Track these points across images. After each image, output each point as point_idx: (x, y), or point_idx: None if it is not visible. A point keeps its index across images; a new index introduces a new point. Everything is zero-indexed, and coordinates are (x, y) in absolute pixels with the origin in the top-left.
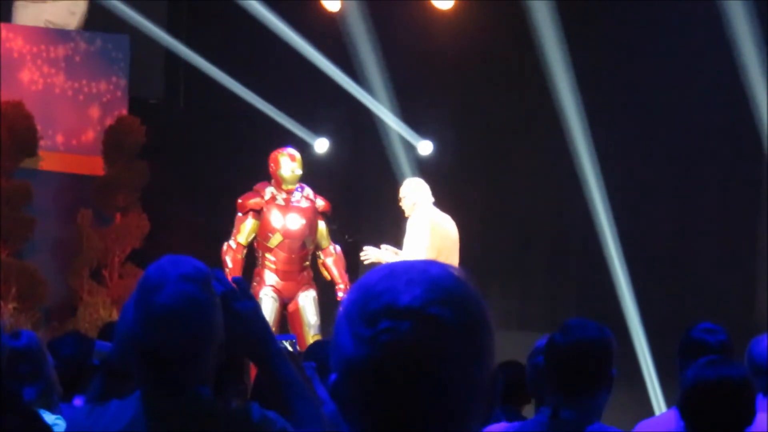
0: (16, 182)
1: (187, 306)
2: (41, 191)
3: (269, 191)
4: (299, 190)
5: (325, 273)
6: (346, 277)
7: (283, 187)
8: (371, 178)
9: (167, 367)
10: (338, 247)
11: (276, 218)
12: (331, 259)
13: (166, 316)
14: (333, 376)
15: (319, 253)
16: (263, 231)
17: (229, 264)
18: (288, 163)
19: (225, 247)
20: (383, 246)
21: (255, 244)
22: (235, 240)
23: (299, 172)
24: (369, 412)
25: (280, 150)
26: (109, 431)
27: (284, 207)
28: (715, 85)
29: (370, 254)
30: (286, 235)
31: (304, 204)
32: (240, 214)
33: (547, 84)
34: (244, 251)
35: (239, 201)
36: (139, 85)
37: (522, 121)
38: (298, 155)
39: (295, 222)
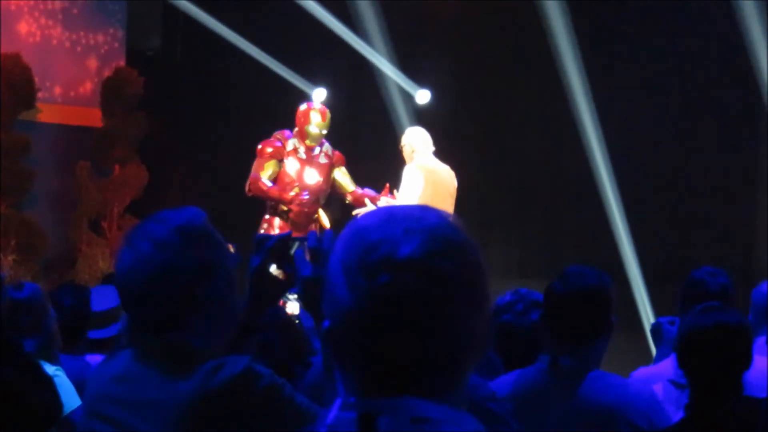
0: (14, 134)
1: (151, 246)
2: (39, 143)
3: (292, 143)
4: (320, 145)
5: (322, 219)
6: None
7: (307, 142)
8: (369, 128)
9: (134, 310)
10: (367, 188)
11: (295, 170)
12: (363, 190)
13: (130, 258)
14: (326, 323)
15: (348, 195)
16: (280, 181)
17: (268, 183)
18: (318, 119)
19: (249, 180)
20: (383, 198)
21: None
22: (257, 173)
23: (325, 131)
24: (365, 362)
25: (311, 104)
26: (104, 377)
27: (305, 161)
28: (712, 29)
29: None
30: (303, 188)
31: (323, 160)
32: (258, 159)
33: (546, 32)
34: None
35: (260, 147)
36: (137, 36)
37: (520, 70)
38: (328, 113)
39: (312, 177)
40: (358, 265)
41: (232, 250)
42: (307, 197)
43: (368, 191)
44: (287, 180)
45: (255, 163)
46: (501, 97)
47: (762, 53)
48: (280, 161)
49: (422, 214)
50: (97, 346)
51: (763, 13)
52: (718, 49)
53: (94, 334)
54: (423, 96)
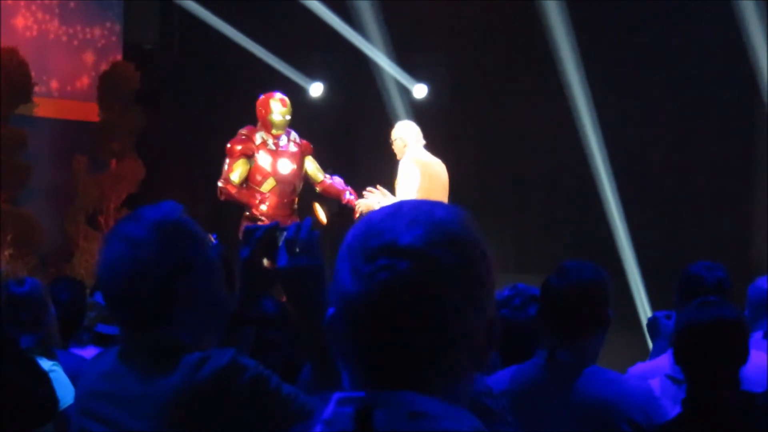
0: (11, 129)
1: (124, 245)
2: (36, 137)
3: (260, 136)
4: (286, 134)
5: (318, 214)
6: (349, 188)
7: (273, 132)
8: (366, 122)
9: (117, 309)
10: (336, 176)
11: (268, 163)
12: (330, 182)
13: (108, 259)
14: (331, 310)
15: (317, 186)
16: (255, 175)
17: (233, 190)
18: (279, 108)
19: (220, 183)
20: (378, 187)
21: (245, 188)
22: (227, 176)
23: (289, 117)
24: (363, 349)
25: (270, 94)
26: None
27: (275, 152)
28: (711, 24)
29: (361, 205)
30: (279, 179)
31: (293, 149)
32: (228, 159)
33: (543, 26)
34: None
35: (228, 146)
36: (134, 30)
37: (517, 64)
38: (287, 100)
39: (286, 167)
40: (361, 250)
41: (212, 240)
42: (265, 219)
43: (336, 181)
44: (262, 174)
45: (225, 164)
46: (498, 91)
47: (762, 52)
48: (251, 157)
49: (431, 208)
50: (103, 340)
51: (763, 12)
52: (717, 46)
53: (102, 329)
54: (420, 90)
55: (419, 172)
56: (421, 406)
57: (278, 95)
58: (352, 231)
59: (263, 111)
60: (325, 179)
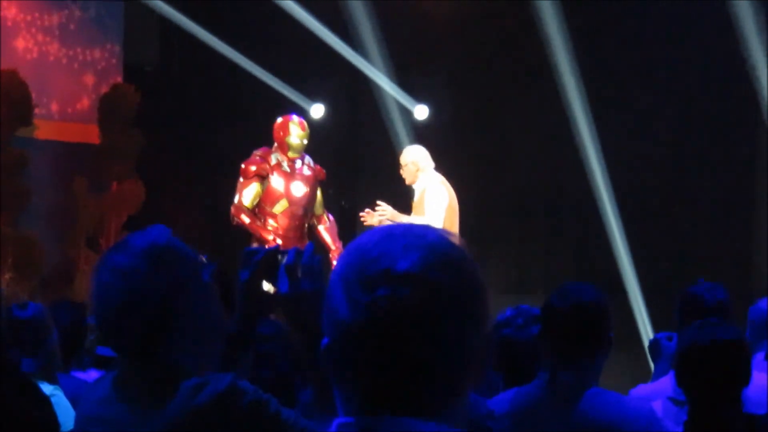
0: (11, 151)
1: (114, 276)
2: (37, 160)
3: (274, 158)
4: (301, 158)
5: (324, 237)
6: (339, 244)
7: (289, 154)
8: (367, 143)
9: (110, 338)
10: (331, 216)
11: (281, 185)
12: (324, 227)
13: (98, 289)
14: (325, 340)
15: (313, 219)
16: (268, 197)
17: (246, 220)
18: (298, 131)
19: (233, 209)
20: (381, 205)
21: (257, 209)
22: (240, 202)
23: (306, 142)
24: (363, 378)
25: (289, 117)
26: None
27: (289, 174)
28: (711, 41)
29: (375, 219)
30: (292, 201)
31: (307, 172)
32: (242, 180)
33: (544, 46)
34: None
35: (243, 166)
36: (134, 52)
37: (518, 85)
38: (306, 124)
39: (299, 189)
40: (357, 279)
41: (203, 260)
42: (280, 243)
43: (330, 224)
44: (275, 195)
45: (239, 185)
46: (499, 112)
47: (762, 66)
48: (265, 178)
49: (423, 232)
50: (103, 363)
51: (762, 24)
52: (717, 61)
53: (103, 351)
54: (421, 111)
55: (447, 194)
56: (422, 430)
57: (297, 118)
58: (344, 258)
59: (281, 133)
60: (323, 215)
